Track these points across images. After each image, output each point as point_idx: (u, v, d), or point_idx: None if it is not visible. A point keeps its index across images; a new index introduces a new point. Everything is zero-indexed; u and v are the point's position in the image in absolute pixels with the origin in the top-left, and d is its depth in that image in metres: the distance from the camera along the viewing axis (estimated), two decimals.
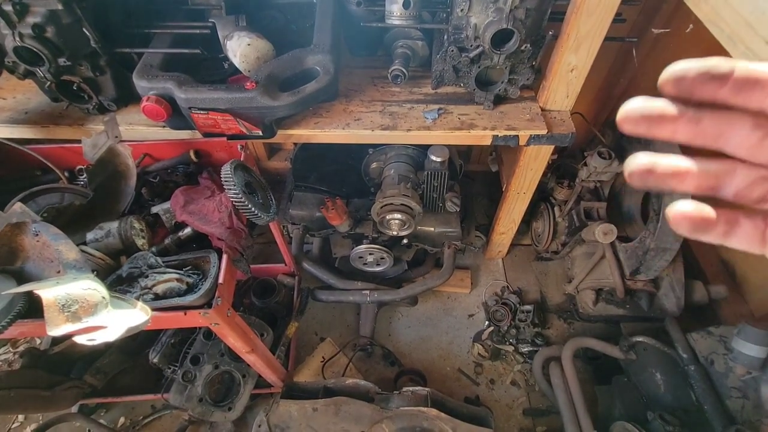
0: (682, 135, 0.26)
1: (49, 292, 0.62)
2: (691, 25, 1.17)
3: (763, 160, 0.25)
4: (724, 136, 0.25)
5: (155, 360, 1.35)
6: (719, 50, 0.77)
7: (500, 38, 1.08)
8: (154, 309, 0.79)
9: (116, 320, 0.66)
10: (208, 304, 0.89)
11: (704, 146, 0.26)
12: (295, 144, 1.75)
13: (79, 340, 0.64)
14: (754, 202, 0.26)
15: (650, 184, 0.27)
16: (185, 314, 0.87)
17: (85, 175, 1.10)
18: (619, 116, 0.27)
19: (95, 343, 0.65)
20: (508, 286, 1.85)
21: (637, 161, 0.27)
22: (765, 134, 0.24)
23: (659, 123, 0.26)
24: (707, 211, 0.26)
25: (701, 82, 0.24)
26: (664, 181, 0.26)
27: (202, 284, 0.90)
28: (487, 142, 1.27)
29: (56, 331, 0.61)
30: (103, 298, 0.68)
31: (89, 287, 0.68)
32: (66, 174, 1.10)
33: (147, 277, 0.89)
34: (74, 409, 1.44)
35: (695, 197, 0.27)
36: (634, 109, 0.26)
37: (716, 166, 0.26)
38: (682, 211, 0.26)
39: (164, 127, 1.22)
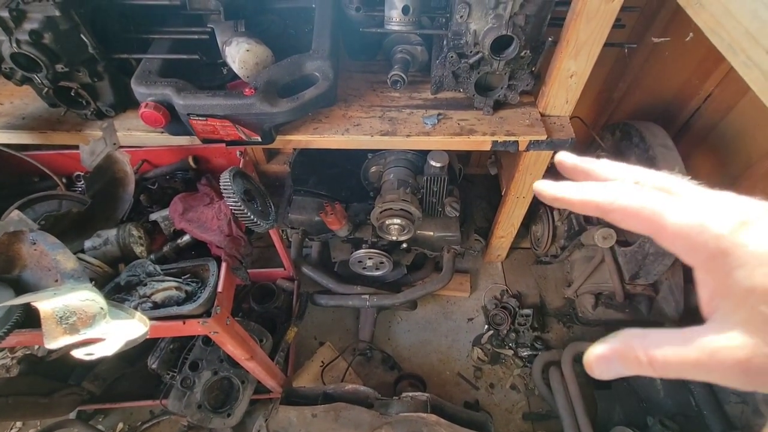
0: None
1: (47, 304, 0.62)
2: (691, 34, 1.17)
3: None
4: None
5: (154, 366, 1.34)
6: (718, 58, 0.77)
7: (500, 44, 1.08)
8: (152, 318, 0.79)
9: (114, 332, 0.66)
10: (207, 313, 0.88)
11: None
12: (295, 148, 1.74)
13: (77, 354, 0.63)
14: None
15: None
16: (184, 323, 0.86)
17: (83, 182, 1.09)
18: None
19: (93, 357, 0.64)
20: (507, 290, 1.85)
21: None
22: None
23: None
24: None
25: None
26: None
27: (201, 292, 0.89)
28: (487, 147, 1.27)
29: (54, 344, 0.60)
30: (102, 309, 0.67)
31: (87, 298, 0.67)
32: (64, 180, 1.09)
33: (145, 285, 0.89)
34: (72, 415, 1.43)
35: None
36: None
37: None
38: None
39: (162, 133, 1.22)
